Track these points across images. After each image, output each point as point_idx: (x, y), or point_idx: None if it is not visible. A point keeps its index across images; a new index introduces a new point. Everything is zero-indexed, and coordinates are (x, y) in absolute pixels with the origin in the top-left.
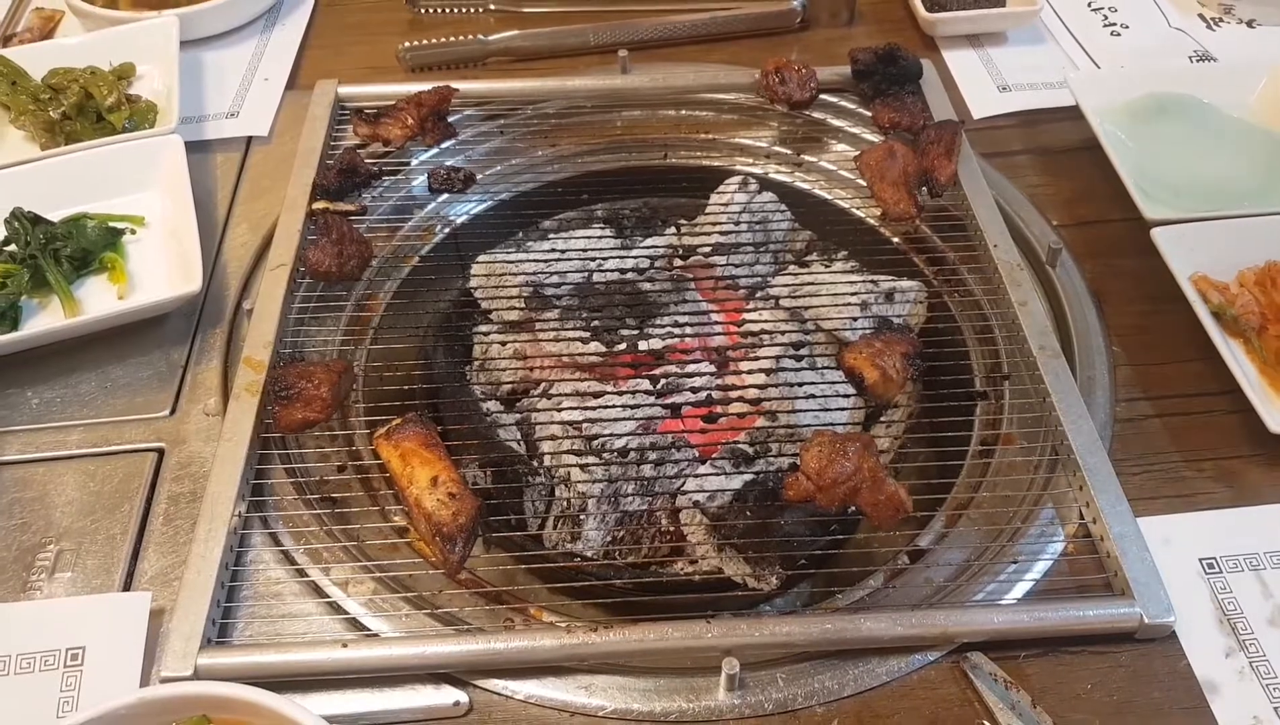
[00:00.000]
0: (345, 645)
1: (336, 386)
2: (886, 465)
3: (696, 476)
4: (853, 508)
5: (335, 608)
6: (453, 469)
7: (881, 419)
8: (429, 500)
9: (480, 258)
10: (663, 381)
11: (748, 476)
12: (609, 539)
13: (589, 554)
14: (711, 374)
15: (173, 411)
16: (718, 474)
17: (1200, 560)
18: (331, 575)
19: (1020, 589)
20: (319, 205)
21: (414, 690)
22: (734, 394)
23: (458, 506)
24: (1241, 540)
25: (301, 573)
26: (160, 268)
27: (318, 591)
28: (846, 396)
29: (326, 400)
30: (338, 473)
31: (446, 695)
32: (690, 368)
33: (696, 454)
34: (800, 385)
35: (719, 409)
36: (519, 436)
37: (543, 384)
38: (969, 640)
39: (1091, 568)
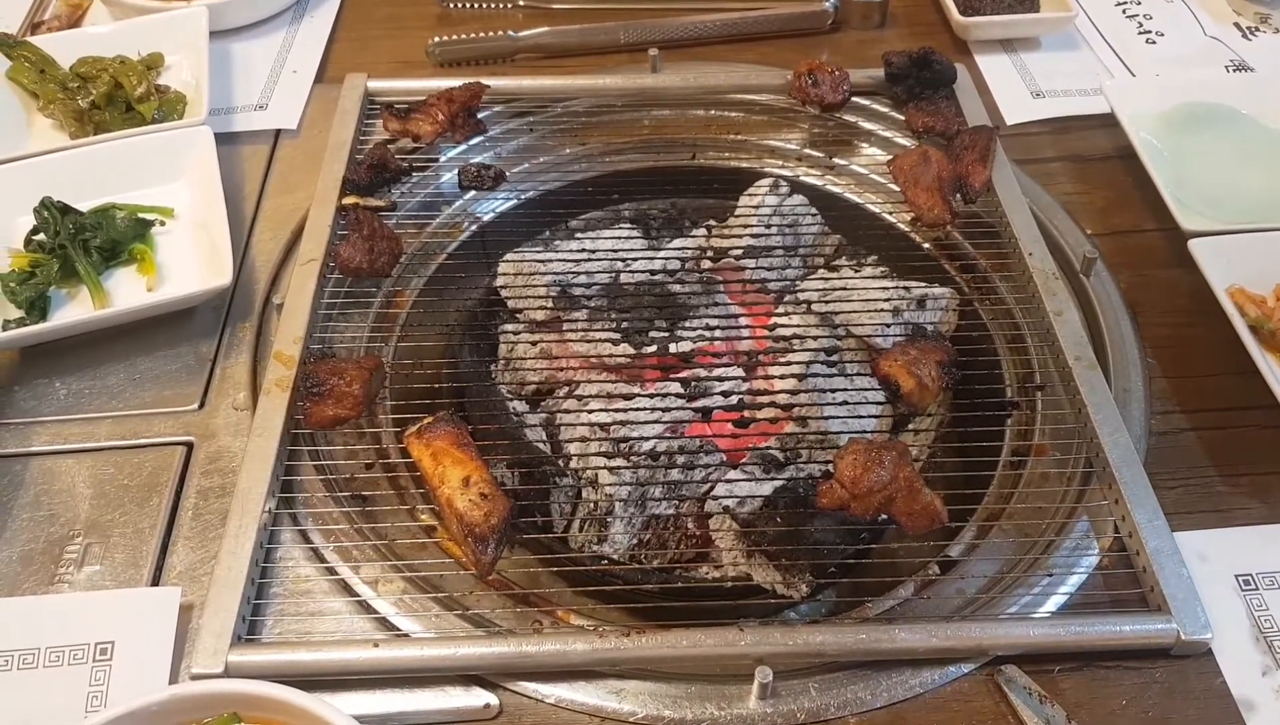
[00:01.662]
0: (377, 645)
1: (368, 384)
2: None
3: (726, 481)
4: (885, 516)
5: (365, 607)
6: (484, 469)
7: (909, 427)
8: (461, 500)
9: (507, 256)
10: (692, 384)
11: (778, 482)
12: (635, 542)
13: (615, 556)
14: (741, 378)
15: (201, 405)
16: (748, 479)
17: (1236, 577)
18: (361, 574)
19: (1054, 602)
20: (349, 200)
21: (444, 692)
22: (764, 398)
23: (490, 507)
24: (1278, 557)
25: (331, 570)
26: (189, 260)
27: (347, 590)
28: (877, 403)
29: (358, 397)
30: (366, 470)
31: (477, 697)
32: (719, 371)
33: (725, 458)
34: (831, 391)
35: (748, 413)
36: (544, 437)
37: (569, 385)
38: (1003, 653)
39: (1126, 582)
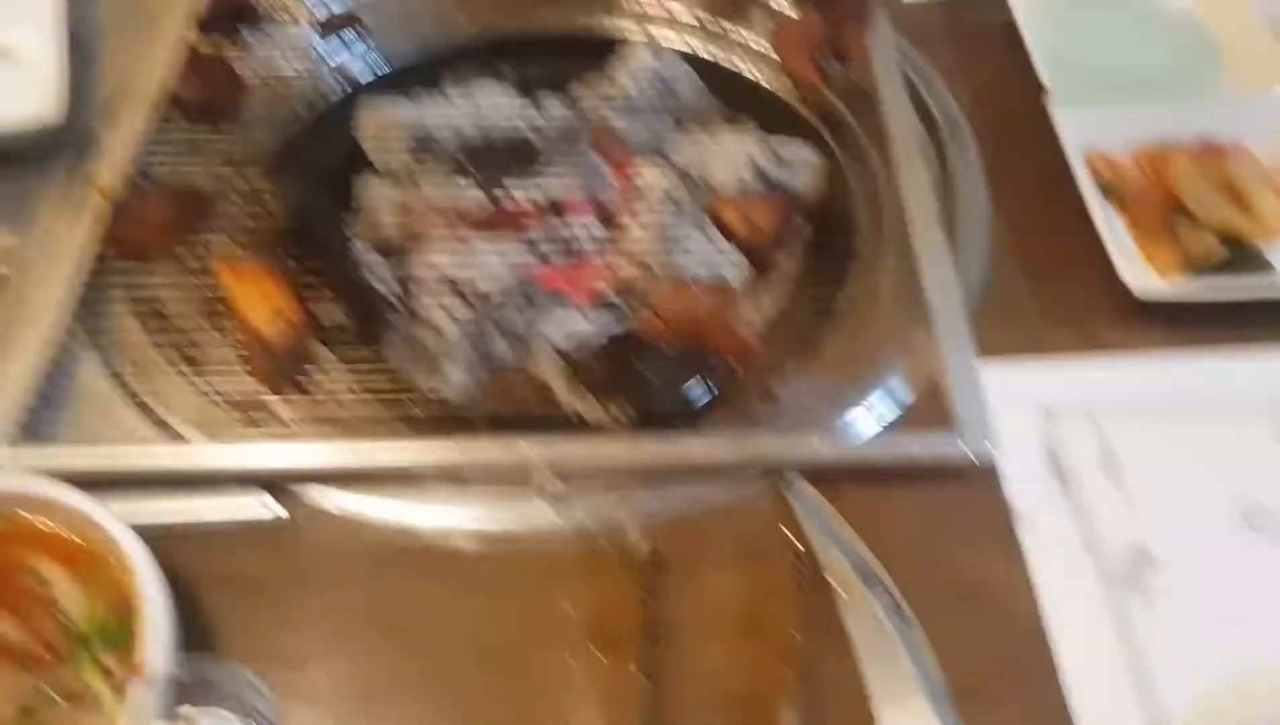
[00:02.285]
0: (151, 442)
1: (181, 210)
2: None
3: (559, 321)
4: (704, 349)
5: (157, 420)
6: (296, 301)
7: (762, 279)
8: (265, 326)
9: (369, 104)
10: (541, 232)
11: (612, 324)
12: (471, 382)
13: (449, 396)
14: (593, 226)
15: (21, 240)
16: (583, 320)
17: (1039, 405)
18: (156, 388)
19: (859, 428)
20: (196, 39)
21: (230, 497)
22: (612, 247)
23: (291, 332)
24: (1083, 388)
25: (125, 385)
26: (22, 96)
27: (139, 402)
28: (726, 254)
29: (167, 223)
30: (180, 302)
31: (265, 506)
32: (572, 220)
33: (564, 300)
34: (681, 240)
35: (595, 260)
36: (391, 279)
37: (421, 233)
38: (791, 467)
39: (931, 414)
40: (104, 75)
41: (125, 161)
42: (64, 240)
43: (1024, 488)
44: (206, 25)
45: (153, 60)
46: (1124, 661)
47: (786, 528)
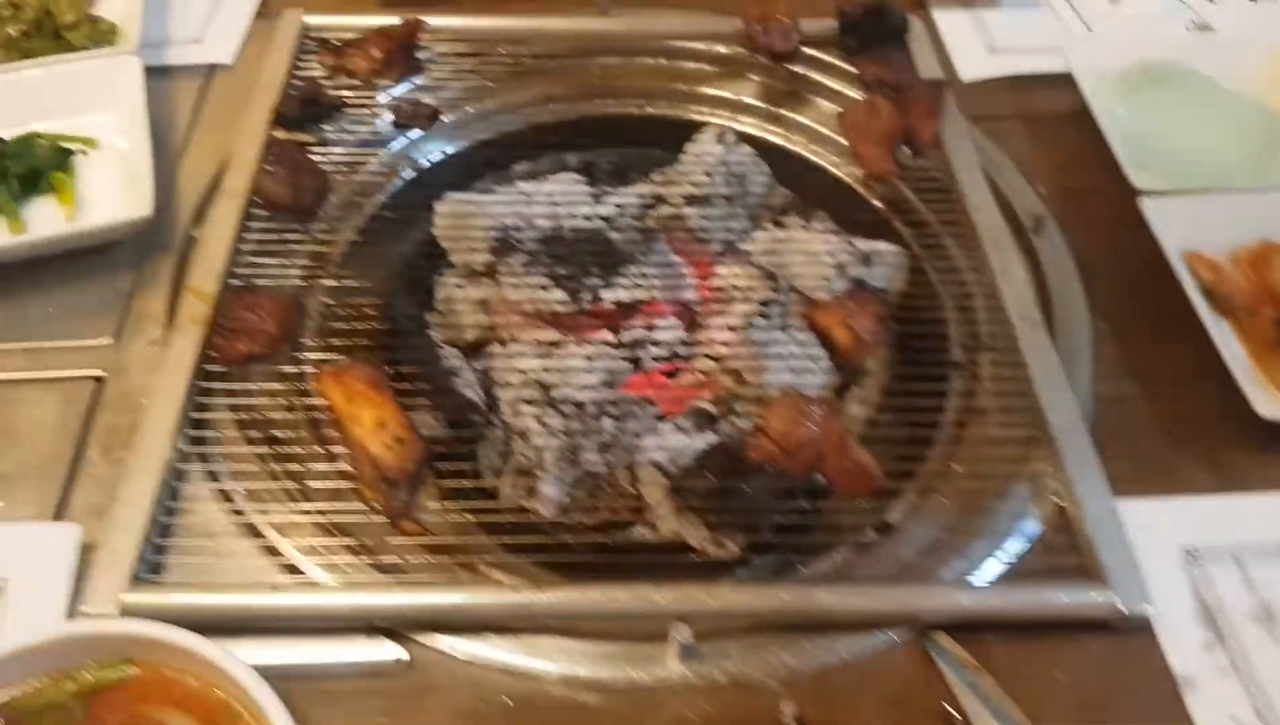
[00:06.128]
0: (277, 589)
1: (284, 320)
2: (855, 433)
3: (657, 435)
4: (819, 474)
5: (272, 551)
6: (400, 413)
7: (853, 386)
8: (374, 443)
9: (445, 199)
10: (627, 335)
11: (711, 438)
12: (567, 497)
13: (545, 512)
14: (678, 330)
15: (116, 339)
16: (680, 433)
17: (1182, 549)
18: (271, 518)
19: (991, 569)
20: (278, 134)
21: (351, 643)
22: (700, 351)
23: (404, 451)
24: (1226, 530)
25: (239, 513)
26: (111, 192)
27: (255, 533)
28: (817, 360)
29: (273, 334)
30: (285, 412)
31: (386, 650)
32: (656, 322)
33: (659, 412)
34: (768, 345)
35: (684, 367)
36: (477, 385)
37: (504, 334)
38: (931, 620)
39: (1066, 551)
40: (186, 170)
41: (219, 263)
42: (168, 352)
43: (1180, 643)
44: (284, 118)
45: (236, 155)
46: None
47: (938, 694)
